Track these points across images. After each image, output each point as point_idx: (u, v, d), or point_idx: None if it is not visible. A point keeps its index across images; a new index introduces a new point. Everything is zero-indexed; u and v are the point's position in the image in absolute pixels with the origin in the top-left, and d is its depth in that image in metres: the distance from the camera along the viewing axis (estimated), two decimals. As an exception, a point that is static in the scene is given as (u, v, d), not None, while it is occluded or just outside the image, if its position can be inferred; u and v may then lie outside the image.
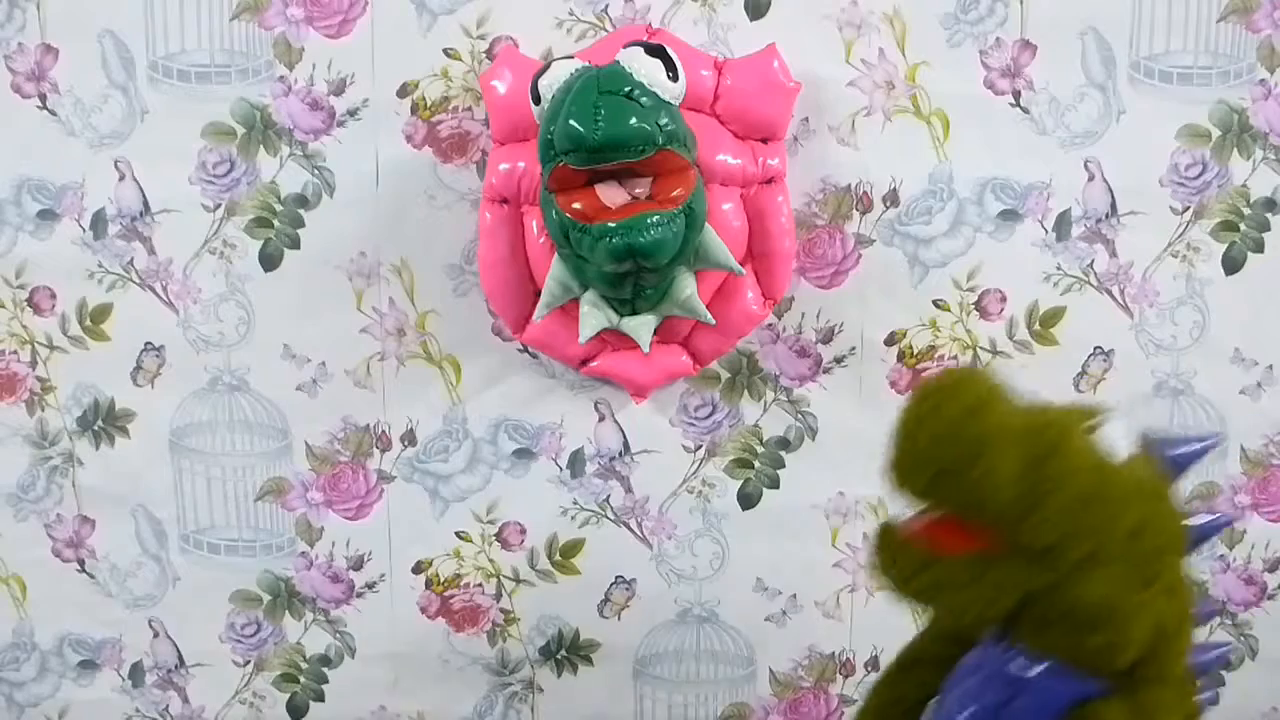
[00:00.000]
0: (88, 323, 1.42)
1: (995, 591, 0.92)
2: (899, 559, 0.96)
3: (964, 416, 0.89)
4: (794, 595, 1.49)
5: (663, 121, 1.15)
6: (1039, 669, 0.95)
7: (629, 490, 1.46)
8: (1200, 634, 0.99)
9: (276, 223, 1.39)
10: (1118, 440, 0.93)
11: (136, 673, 1.52)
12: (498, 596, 1.49)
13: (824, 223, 1.38)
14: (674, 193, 1.17)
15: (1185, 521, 0.97)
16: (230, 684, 1.53)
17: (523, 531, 1.47)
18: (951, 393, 0.91)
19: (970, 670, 1.01)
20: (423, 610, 1.50)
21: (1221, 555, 1.47)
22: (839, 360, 1.42)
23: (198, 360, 1.43)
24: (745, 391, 1.43)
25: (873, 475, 1.43)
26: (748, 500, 1.46)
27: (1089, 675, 0.94)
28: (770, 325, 1.41)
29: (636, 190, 1.18)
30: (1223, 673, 1.50)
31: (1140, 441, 0.95)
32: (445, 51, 1.34)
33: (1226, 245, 1.40)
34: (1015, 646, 0.96)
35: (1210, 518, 1.02)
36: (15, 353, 1.43)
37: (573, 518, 1.47)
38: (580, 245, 1.18)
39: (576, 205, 1.17)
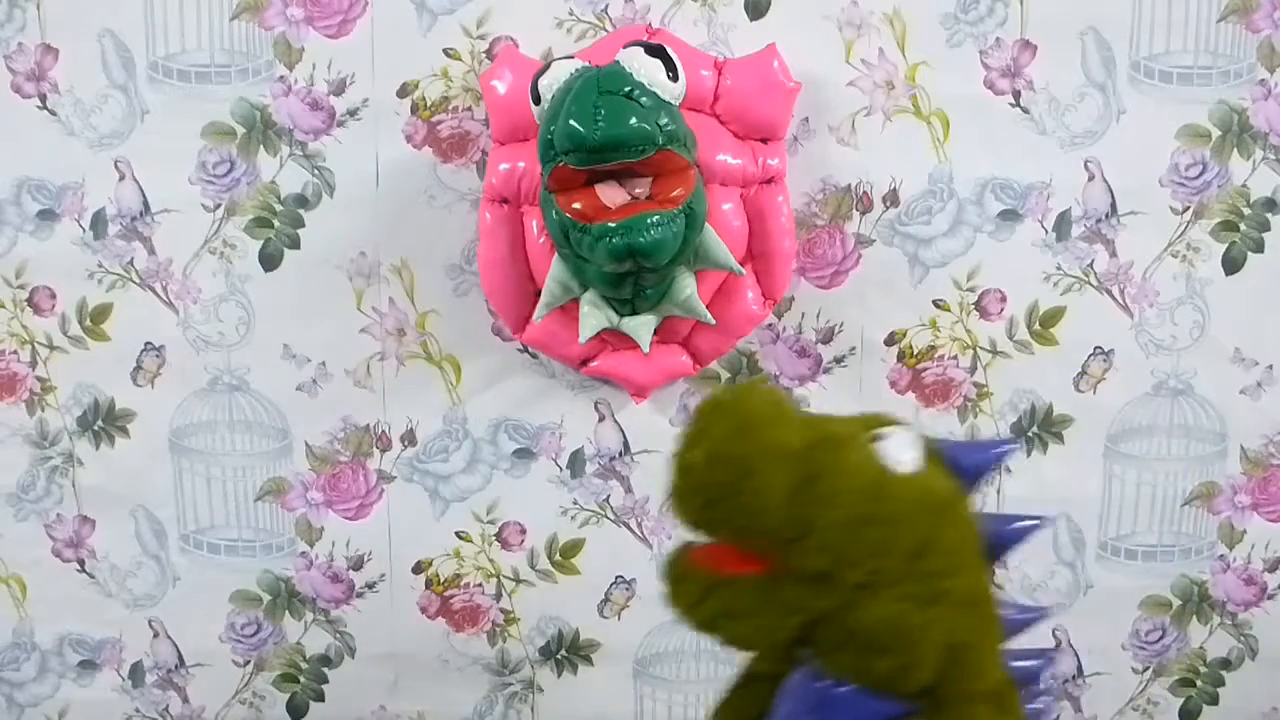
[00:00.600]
0: (88, 323, 1.42)
1: (778, 617, 0.88)
2: (682, 587, 0.91)
3: (733, 437, 0.84)
4: (794, 595, 1.49)
5: (663, 121, 1.15)
6: (844, 689, 0.90)
7: (629, 490, 1.46)
8: (1023, 641, 0.95)
9: (276, 223, 1.39)
10: (910, 450, 0.88)
11: (136, 673, 1.52)
12: (498, 596, 1.50)
13: (824, 223, 1.38)
14: (674, 193, 1.17)
15: (979, 530, 0.91)
16: (230, 684, 1.53)
17: (523, 531, 1.47)
18: (723, 412, 0.86)
19: (789, 693, 0.96)
20: (423, 610, 1.50)
21: (1221, 555, 1.48)
22: (839, 360, 1.42)
23: (198, 360, 1.43)
24: (745, 391, 1.43)
25: (873, 475, 1.45)
26: (748, 500, 1.46)
27: (889, 696, 0.89)
28: (770, 325, 1.41)
29: (636, 190, 1.18)
30: (1222, 672, 1.51)
31: (929, 450, 0.90)
32: (445, 51, 1.34)
33: (1226, 245, 1.40)
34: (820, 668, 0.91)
35: (1021, 524, 0.97)
36: (15, 353, 1.43)
37: (573, 518, 1.47)
38: (580, 245, 1.18)
39: (576, 205, 1.17)
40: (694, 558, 0.91)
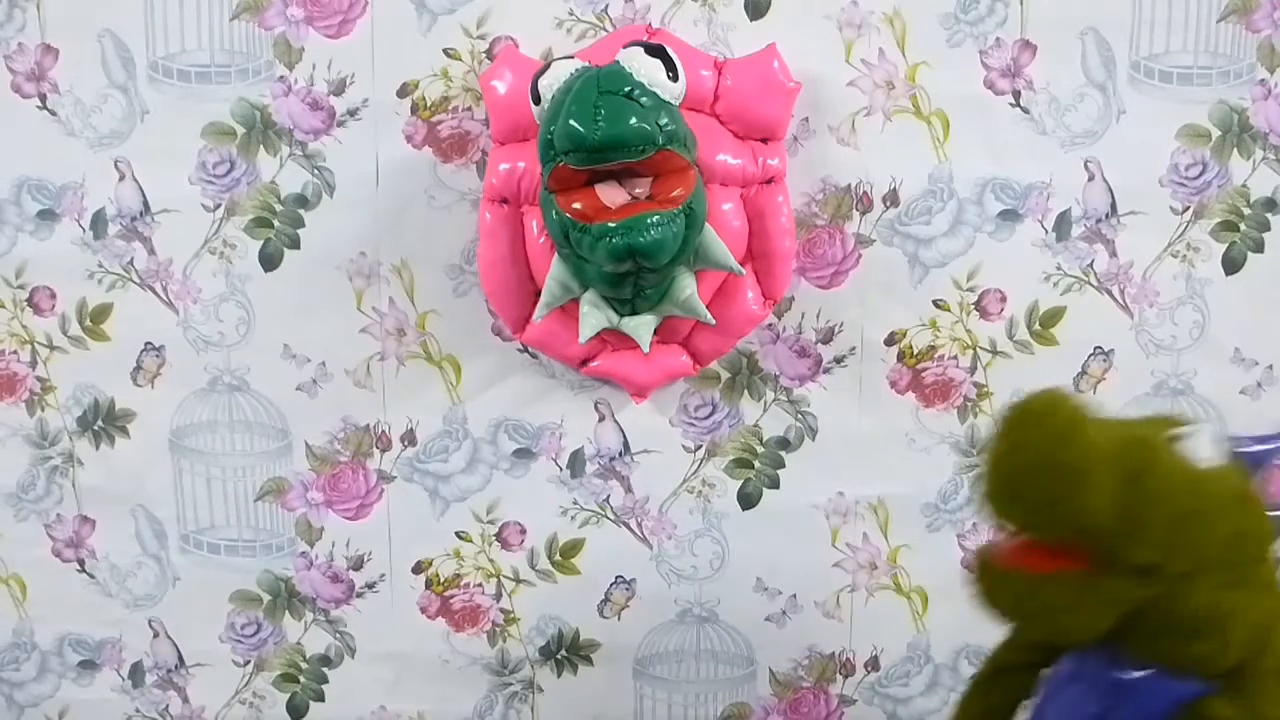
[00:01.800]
0: (88, 323, 1.42)
1: (1101, 609, 0.95)
2: (1004, 585, 0.98)
3: (1056, 444, 0.92)
4: (794, 595, 1.49)
5: (663, 121, 1.15)
6: (1143, 674, 0.97)
7: (629, 490, 1.46)
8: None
9: (276, 223, 1.39)
10: (1210, 448, 0.97)
11: (136, 673, 1.52)
12: (498, 596, 1.50)
13: (824, 223, 1.38)
14: (674, 193, 1.17)
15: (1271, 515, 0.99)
16: (230, 684, 1.53)
17: (523, 531, 1.47)
18: (1040, 421, 0.93)
19: (1067, 679, 1.04)
20: (423, 610, 1.50)
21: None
22: (839, 360, 1.42)
23: (198, 360, 1.43)
24: (745, 391, 1.43)
25: (872, 475, 1.45)
26: (748, 500, 1.46)
27: (1194, 677, 0.96)
28: (770, 325, 1.41)
29: (636, 190, 1.18)
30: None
31: (1222, 446, 0.98)
32: (445, 51, 1.34)
33: (1226, 245, 1.40)
34: (1117, 654, 0.98)
35: None
36: (15, 353, 1.43)
37: (573, 518, 1.47)
38: (580, 245, 1.18)
39: (576, 205, 1.17)
40: (1010, 557, 0.98)
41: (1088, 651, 1.01)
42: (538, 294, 1.31)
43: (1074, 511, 0.92)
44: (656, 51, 1.18)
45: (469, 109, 1.35)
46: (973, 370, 1.42)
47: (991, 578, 1.00)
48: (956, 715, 1.19)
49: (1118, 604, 0.94)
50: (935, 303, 1.40)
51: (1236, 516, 0.96)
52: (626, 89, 1.14)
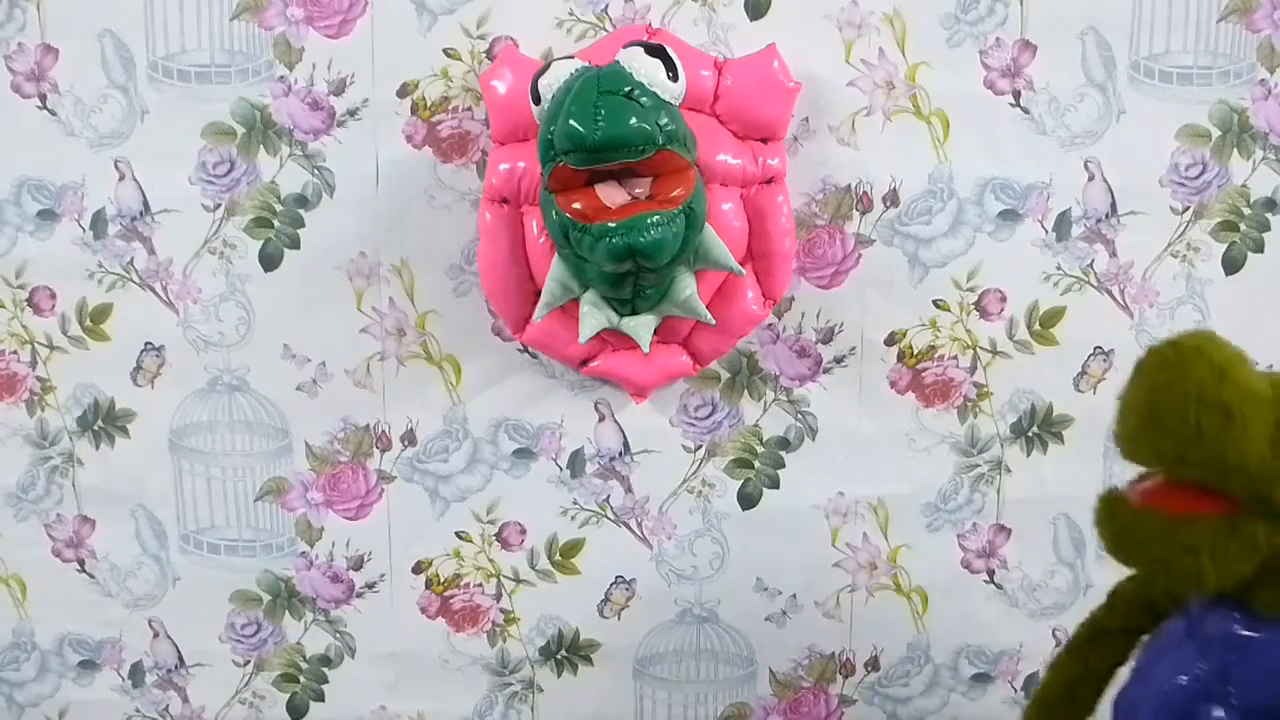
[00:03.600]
0: (88, 323, 1.42)
1: (1245, 553, 0.92)
2: (1139, 528, 0.95)
3: (1214, 381, 0.89)
4: (794, 595, 1.49)
5: (663, 121, 1.15)
6: (1271, 630, 0.96)
7: (629, 490, 1.46)
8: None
9: (276, 223, 1.39)
10: None
11: (136, 673, 1.52)
12: (498, 596, 1.50)
13: (824, 223, 1.38)
14: (674, 193, 1.17)
15: None
16: (230, 684, 1.53)
17: (523, 531, 1.47)
18: (1196, 357, 0.91)
19: (1177, 640, 1.02)
20: (423, 610, 1.50)
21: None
22: (839, 360, 1.42)
23: (198, 360, 1.43)
24: (745, 391, 1.43)
25: (873, 475, 1.45)
26: (748, 500, 1.46)
27: None
28: (770, 325, 1.41)
29: (636, 190, 1.18)
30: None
31: None
32: (445, 51, 1.34)
33: (1226, 245, 1.40)
34: (1238, 610, 0.97)
35: None
36: (15, 353, 1.43)
37: (573, 518, 1.47)
38: (580, 245, 1.18)
39: (576, 205, 1.17)
40: (1148, 498, 0.95)
41: (1204, 610, 0.99)
42: (538, 294, 1.31)
43: (1228, 450, 0.88)
44: (656, 51, 1.18)
45: (469, 109, 1.35)
46: (973, 370, 1.42)
47: (1124, 519, 0.96)
48: (1049, 678, 1.17)
49: (1258, 549, 0.91)
50: (935, 303, 1.40)
51: None
52: (626, 89, 1.14)
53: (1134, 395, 0.94)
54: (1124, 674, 1.12)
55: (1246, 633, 0.97)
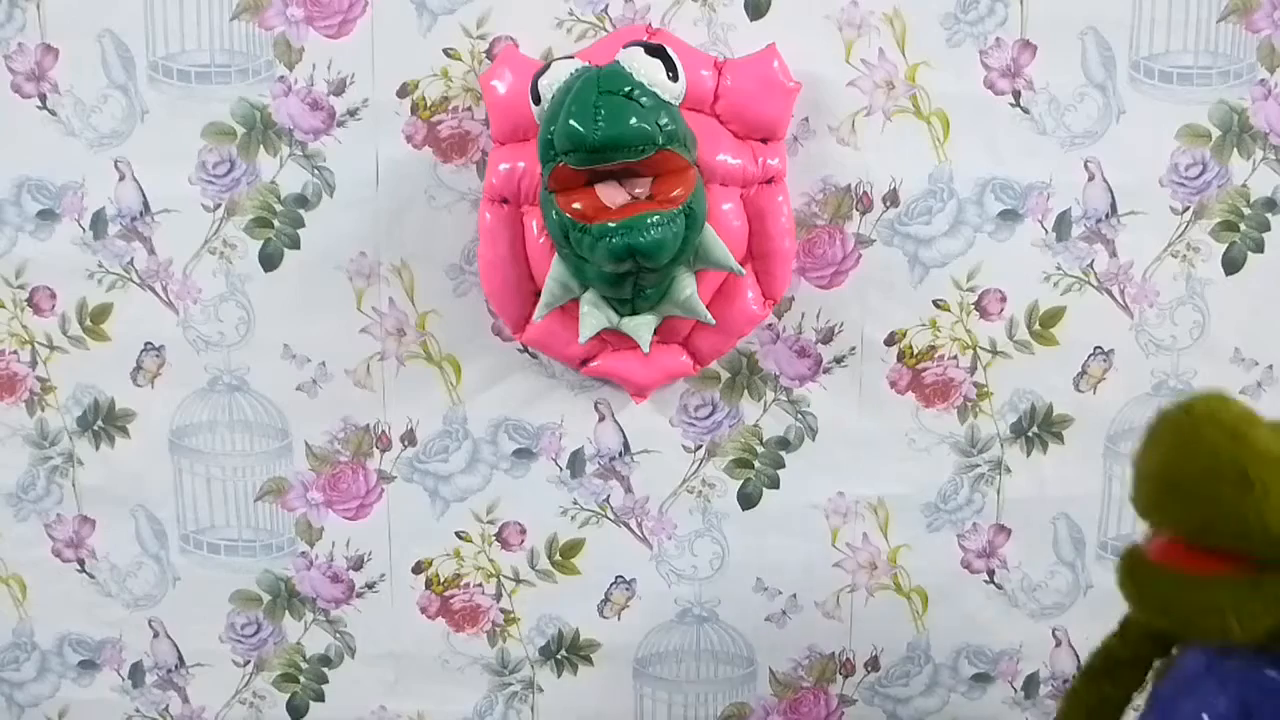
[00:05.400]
0: (88, 323, 1.42)
1: (1268, 611, 0.93)
2: (1160, 587, 0.97)
3: (1229, 446, 0.90)
4: (794, 595, 1.49)
5: (663, 121, 1.15)
6: None
7: (629, 490, 1.46)
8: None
9: (276, 223, 1.39)
10: None
11: (136, 673, 1.52)
12: (498, 596, 1.50)
13: (824, 223, 1.38)
14: (674, 193, 1.17)
15: None
16: (230, 684, 1.53)
17: (523, 531, 1.47)
18: (1209, 422, 0.91)
19: (1198, 672, 1.02)
20: (423, 610, 1.50)
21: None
22: (839, 360, 1.42)
23: (198, 360, 1.43)
24: (745, 391, 1.43)
25: (873, 475, 1.45)
26: (748, 500, 1.46)
27: None
28: (770, 325, 1.41)
29: (636, 190, 1.18)
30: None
31: None
32: (445, 51, 1.34)
33: (1226, 245, 1.40)
34: (1264, 650, 0.97)
35: None
36: (15, 353, 1.43)
37: (573, 518, 1.47)
38: (580, 245, 1.18)
39: (576, 205, 1.17)
40: (1168, 557, 0.96)
41: (1227, 647, 1.00)
42: (538, 294, 1.31)
43: (1249, 516, 0.89)
44: (656, 51, 1.18)
45: (469, 109, 1.35)
46: (973, 370, 1.42)
47: (1145, 577, 0.98)
48: (1067, 708, 1.17)
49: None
50: (935, 303, 1.40)
51: None
52: (626, 89, 1.14)
53: (1149, 462, 0.95)
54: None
55: (1269, 672, 0.98)
